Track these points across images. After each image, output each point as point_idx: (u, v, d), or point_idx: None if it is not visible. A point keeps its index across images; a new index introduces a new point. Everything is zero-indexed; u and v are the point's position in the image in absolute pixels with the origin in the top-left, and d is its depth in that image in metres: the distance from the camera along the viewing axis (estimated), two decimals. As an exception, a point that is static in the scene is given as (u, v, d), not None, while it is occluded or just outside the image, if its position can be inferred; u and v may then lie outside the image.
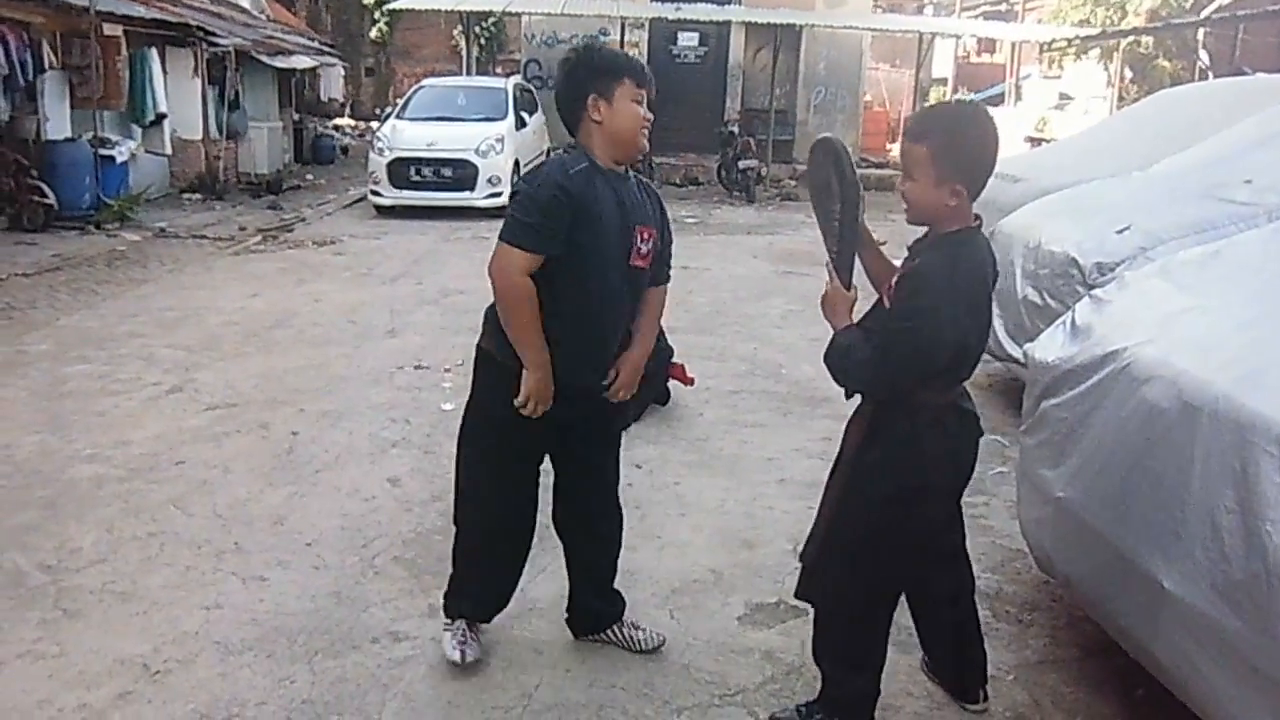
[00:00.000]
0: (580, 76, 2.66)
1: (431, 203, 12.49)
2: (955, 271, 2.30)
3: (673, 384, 5.43)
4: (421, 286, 8.42)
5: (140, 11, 12.16)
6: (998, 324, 5.39)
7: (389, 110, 16.27)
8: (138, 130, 12.88)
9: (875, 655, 2.61)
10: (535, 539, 3.71)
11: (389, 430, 4.92)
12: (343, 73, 23.48)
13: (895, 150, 22.49)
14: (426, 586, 3.36)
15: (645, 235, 2.72)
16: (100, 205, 11.14)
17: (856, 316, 2.48)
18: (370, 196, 12.89)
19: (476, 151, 12.49)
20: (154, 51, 12.89)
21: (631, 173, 2.79)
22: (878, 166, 19.50)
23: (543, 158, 15.14)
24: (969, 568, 2.84)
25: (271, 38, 17.46)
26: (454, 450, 2.94)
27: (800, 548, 2.72)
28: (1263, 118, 5.73)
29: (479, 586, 2.99)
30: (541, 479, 2.95)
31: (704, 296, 8.33)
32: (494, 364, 2.74)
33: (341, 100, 25.23)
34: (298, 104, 19.62)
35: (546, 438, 2.83)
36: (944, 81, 26.69)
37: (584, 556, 3.04)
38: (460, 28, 24.74)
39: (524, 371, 2.63)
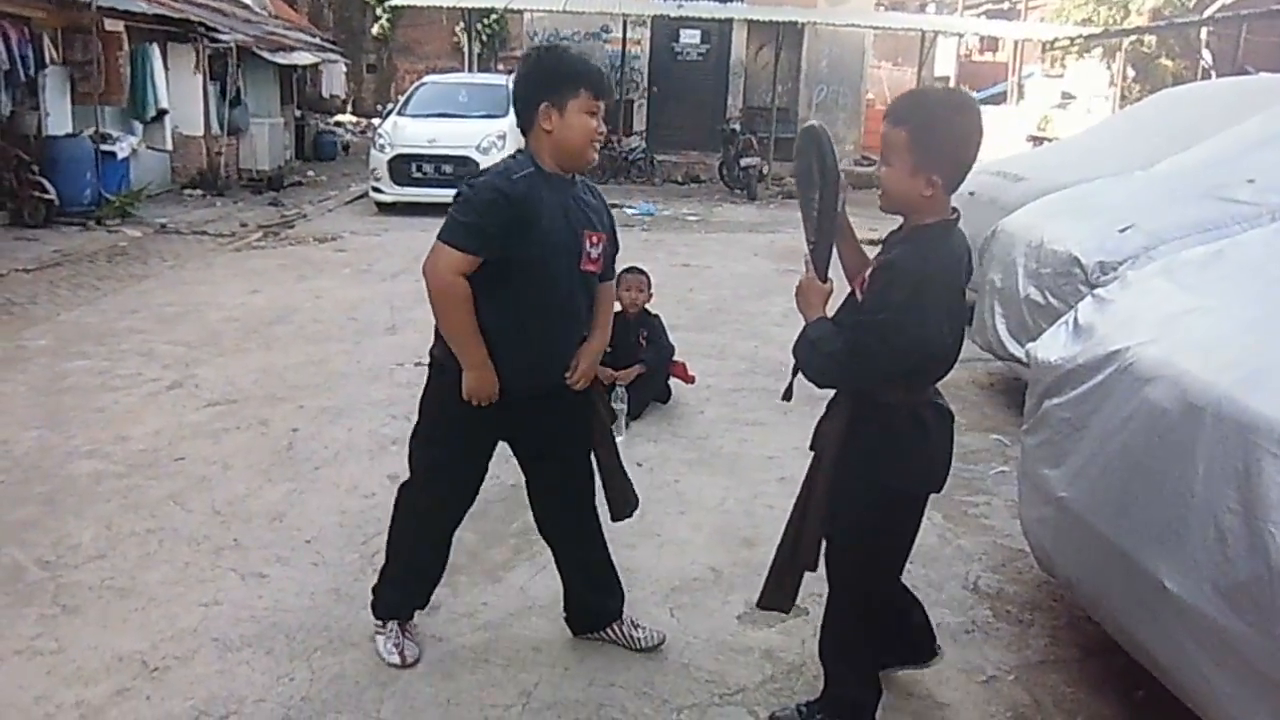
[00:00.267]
0: (536, 82, 2.62)
1: (433, 199, 12.42)
2: (928, 265, 2.25)
3: (673, 382, 5.42)
4: (422, 283, 8.30)
5: (142, 7, 12.14)
6: (1000, 323, 5.38)
7: (390, 107, 16.26)
8: (139, 126, 12.88)
9: (877, 653, 2.60)
10: (536, 535, 3.73)
11: (389, 427, 4.91)
12: (344, 69, 23.46)
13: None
14: (425, 584, 3.35)
15: (594, 240, 2.70)
16: (101, 201, 11.14)
17: (831, 310, 2.44)
18: (371, 193, 12.88)
19: (478, 148, 12.46)
20: (155, 47, 12.89)
21: (578, 177, 2.75)
22: (876, 164, 19.49)
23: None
24: None
25: (273, 34, 17.44)
26: (418, 405, 2.94)
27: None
28: (1265, 117, 5.71)
29: (410, 585, 3.01)
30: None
31: (705, 294, 8.31)
32: (442, 370, 2.75)
33: (343, 97, 25.22)
34: (299, 100, 19.61)
35: (494, 438, 2.84)
36: (946, 80, 26.65)
37: (572, 556, 3.03)
38: (462, 24, 24.72)
39: (468, 368, 2.62)
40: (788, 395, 2.57)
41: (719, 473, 4.51)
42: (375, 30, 29.53)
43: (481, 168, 2.97)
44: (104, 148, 11.43)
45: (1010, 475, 4.51)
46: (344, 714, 2.71)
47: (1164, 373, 2.49)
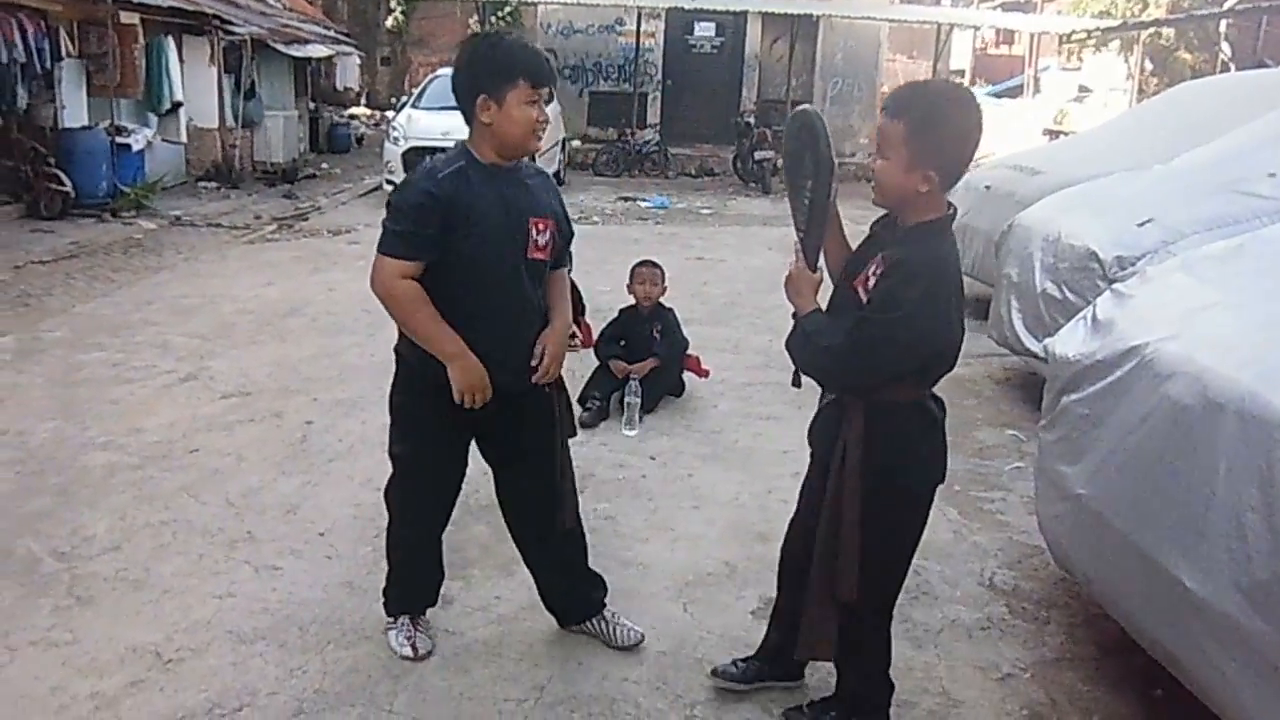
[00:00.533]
0: (473, 72, 2.54)
1: (446, 192, 12.46)
2: (940, 264, 2.22)
3: (687, 376, 5.40)
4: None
5: (157, -1, 12.18)
6: (1016, 317, 5.34)
7: (404, 100, 16.25)
8: (154, 119, 12.91)
9: (890, 652, 2.59)
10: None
11: (402, 420, 4.90)
12: (358, 62, 23.46)
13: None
14: (438, 577, 3.34)
15: (541, 226, 2.64)
16: (116, 193, 11.17)
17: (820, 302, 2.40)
18: (385, 185, 12.87)
19: (491, 141, 12.43)
20: (170, 40, 12.91)
21: (525, 162, 2.70)
22: (894, 158, 19.39)
23: (558, 148, 15.13)
24: None
25: (288, 26, 17.46)
26: (388, 398, 2.92)
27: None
28: (1289, 110, 5.65)
29: (411, 584, 3.00)
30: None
31: (719, 288, 8.29)
32: (402, 362, 2.76)
33: (357, 89, 25.23)
34: (313, 93, 19.63)
35: (463, 436, 2.81)
36: (961, 73, 26.51)
37: (540, 557, 3.01)
38: (476, 17, 24.70)
39: (450, 362, 2.56)
40: (797, 381, 2.54)
41: (732, 467, 4.49)
42: (389, 23, 29.52)
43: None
44: (119, 140, 11.45)
45: (1026, 471, 4.48)
46: (357, 707, 2.71)
47: (1184, 369, 2.46)
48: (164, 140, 12.98)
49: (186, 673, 2.83)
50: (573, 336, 6.22)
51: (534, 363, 2.68)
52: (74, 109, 11.39)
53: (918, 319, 2.15)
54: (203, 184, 13.67)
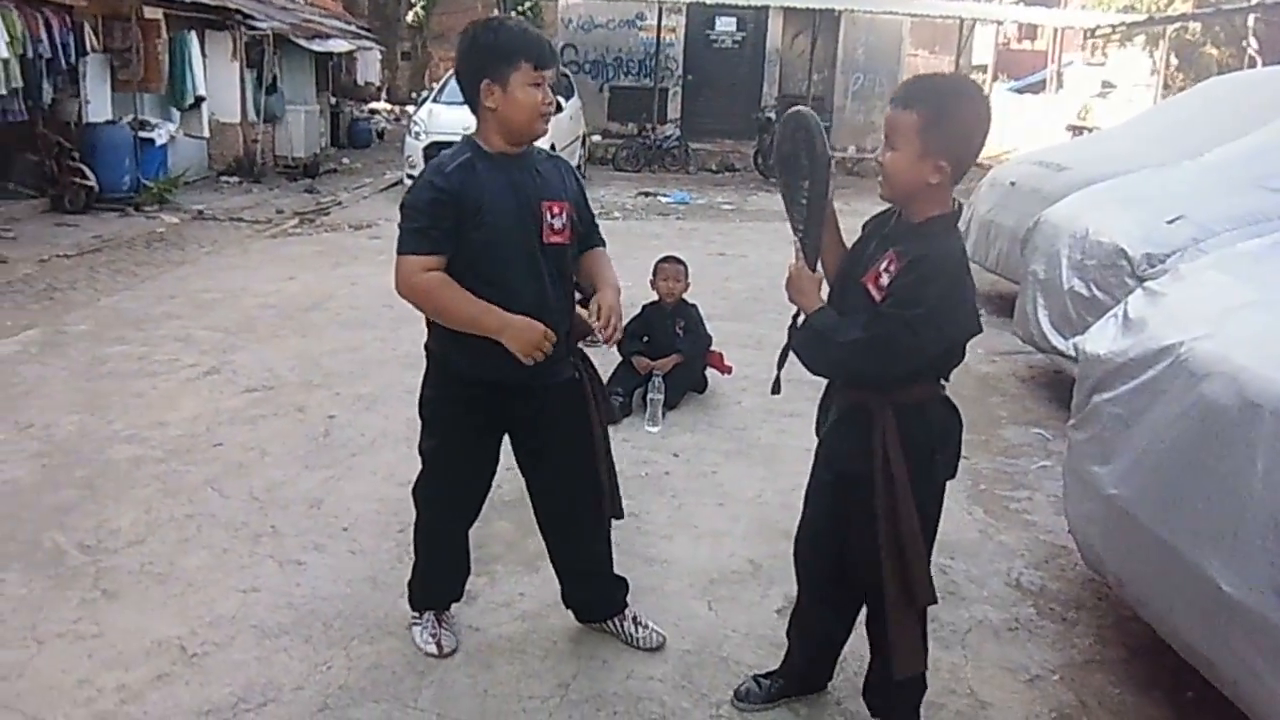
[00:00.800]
0: (475, 58, 2.51)
1: (467, 187, 12.48)
2: (958, 259, 2.22)
3: (710, 372, 5.38)
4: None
5: (180, -6, 12.25)
6: (1042, 315, 5.29)
7: (425, 94, 16.27)
8: (177, 113, 12.97)
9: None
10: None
11: (425, 415, 4.90)
12: (379, 56, 23.53)
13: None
14: (462, 573, 3.33)
15: (555, 210, 2.60)
16: (140, 187, 11.24)
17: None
18: (406, 180, 12.88)
19: (512, 136, 12.44)
20: (193, 35, 12.97)
21: (536, 149, 2.66)
22: (916, 154, 19.29)
23: (578, 143, 15.12)
24: None
25: (309, 21, 17.51)
26: (418, 395, 2.91)
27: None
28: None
29: (437, 580, 2.99)
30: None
31: (741, 284, 8.26)
32: (432, 359, 2.75)
33: (378, 84, 25.31)
34: (334, 88, 19.70)
35: (494, 433, 2.80)
36: (984, 68, 26.32)
37: (561, 555, 2.98)
38: (496, 12, 24.74)
39: (499, 332, 2.50)
40: (776, 389, 2.56)
41: (756, 464, 4.47)
42: (410, 18, 29.61)
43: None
44: (143, 134, 11.54)
45: (1053, 470, 4.44)
46: (382, 703, 2.70)
47: (1221, 369, 2.42)
48: (186, 135, 13.06)
49: (212, 667, 2.84)
50: (589, 334, 6.20)
51: (597, 323, 2.59)
52: (98, 104, 11.46)
53: (939, 315, 2.14)
54: (224, 178, 13.75)
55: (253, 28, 14.10)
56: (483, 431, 2.79)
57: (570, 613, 3.06)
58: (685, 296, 5.44)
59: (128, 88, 11.71)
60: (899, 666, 2.39)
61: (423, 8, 29.15)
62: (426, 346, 2.77)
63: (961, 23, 19.39)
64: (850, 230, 2.52)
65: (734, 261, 9.36)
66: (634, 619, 3.02)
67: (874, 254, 2.29)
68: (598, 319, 2.60)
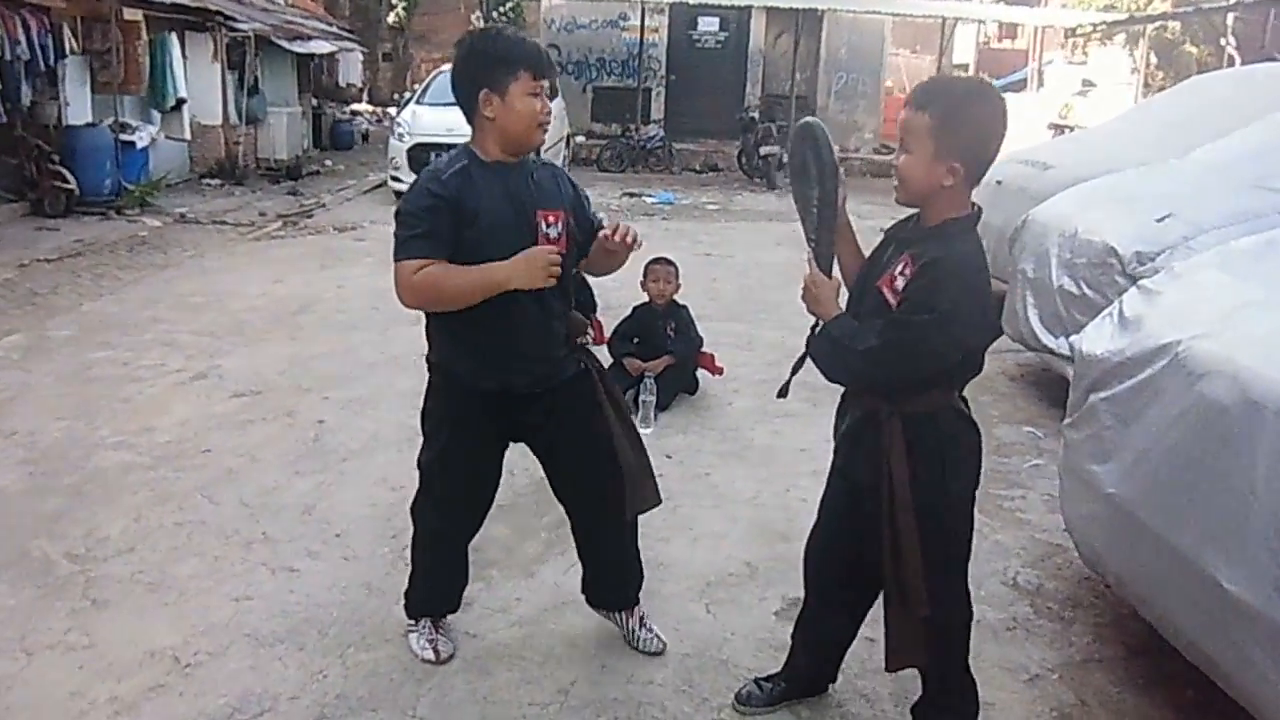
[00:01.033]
0: (473, 67, 2.51)
1: (451, 189, 12.43)
2: (973, 263, 2.19)
3: (701, 373, 5.37)
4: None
5: (160, -5, 12.15)
6: (1032, 313, 5.30)
7: (408, 96, 16.21)
8: (158, 116, 12.87)
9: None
10: (569, 530, 3.69)
11: (416, 419, 4.83)
12: (361, 58, 23.43)
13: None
14: (458, 578, 3.30)
15: (550, 219, 2.58)
16: (121, 191, 11.15)
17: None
18: (390, 182, 12.82)
19: (496, 137, 12.40)
20: (174, 36, 12.87)
21: (533, 159, 2.65)
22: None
23: (562, 144, 15.08)
24: None
25: (291, 22, 17.41)
26: (420, 410, 2.89)
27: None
28: (1307, 104, 5.60)
29: (435, 589, 2.97)
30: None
31: (730, 284, 8.25)
32: (434, 371, 2.75)
33: (359, 86, 25.20)
34: (316, 89, 19.59)
35: (498, 442, 2.81)
36: (965, 67, 26.43)
37: (587, 544, 2.99)
38: (478, 12, 24.66)
39: (508, 280, 2.45)
40: (784, 393, 2.55)
41: (751, 465, 4.46)
42: (391, 19, 29.48)
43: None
44: (123, 137, 11.43)
45: (1045, 468, 4.45)
46: (380, 711, 2.67)
47: (1221, 368, 2.42)
48: (168, 137, 12.96)
49: (206, 677, 2.80)
50: (585, 333, 6.19)
51: (612, 234, 2.55)
52: (78, 106, 11.35)
53: (954, 319, 2.11)
54: (206, 181, 13.64)
55: (234, 29, 14.01)
56: (489, 440, 2.77)
57: (572, 619, 3.04)
58: (675, 298, 5.42)
59: (108, 90, 11.60)
60: (891, 661, 2.43)
61: (404, 9, 29.03)
62: (428, 360, 2.76)
63: (943, 22, 19.45)
64: (860, 229, 2.51)
65: (721, 262, 9.34)
66: (641, 619, 3.00)
67: (891, 258, 2.28)
68: (614, 235, 2.55)
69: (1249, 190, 4.64)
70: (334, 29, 20.77)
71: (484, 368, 2.59)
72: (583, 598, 3.06)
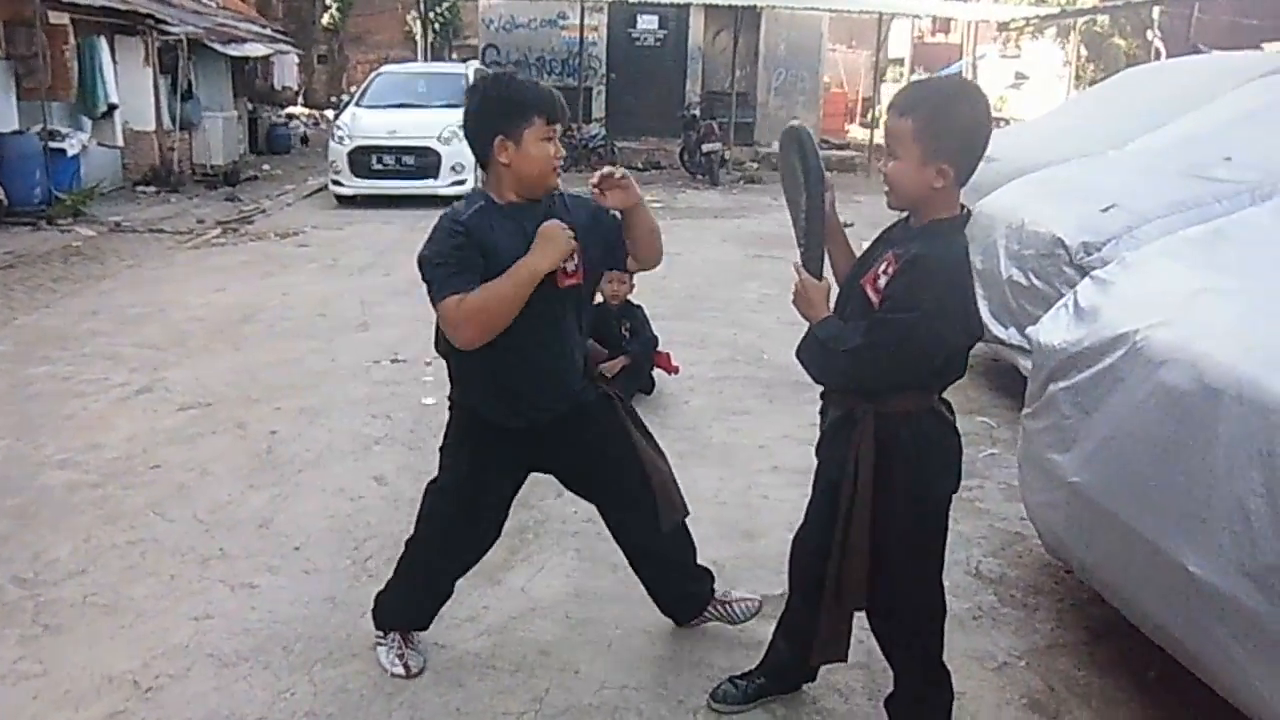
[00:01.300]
0: (486, 114, 2.50)
1: (394, 191, 12.30)
2: (955, 263, 2.19)
3: (657, 372, 5.36)
4: (390, 278, 8.25)
5: (88, -2, 11.82)
6: (981, 305, 5.37)
7: (347, 99, 15.99)
8: (88, 122, 12.54)
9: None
10: (533, 535, 3.66)
11: (371, 427, 4.80)
12: (296, 60, 23.06)
13: (854, 132, 22.60)
14: (423, 589, 3.25)
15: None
16: (52, 200, 10.83)
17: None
18: (331, 186, 12.65)
19: (439, 139, 12.29)
20: (103, 40, 12.55)
21: (553, 200, 2.61)
22: (838, 148, 19.56)
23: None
24: None
25: (224, 25, 17.08)
26: (439, 445, 2.84)
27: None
28: (1238, 95, 5.77)
29: (415, 607, 2.92)
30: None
31: (679, 282, 8.24)
32: (461, 411, 2.73)
33: (295, 89, 24.80)
34: (251, 93, 19.23)
35: (520, 471, 2.79)
36: (900, 62, 26.78)
37: (642, 565, 2.96)
38: (415, 13, 24.39)
39: (537, 265, 2.41)
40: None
41: (711, 463, 4.45)
42: (325, 20, 29.04)
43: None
44: (53, 145, 11.10)
45: (1001, 458, 4.52)
46: (351, 728, 2.63)
47: (1179, 355, 2.47)
48: (100, 144, 12.62)
49: (168, 701, 2.72)
50: (602, 361, 6.09)
51: (598, 183, 2.53)
52: (4, 113, 11.03)
53: (935, 318, 2.10)
54: (141, 188, 13.31)
55: (165, 32, 13.69)
56: (508, 474, 2.76)
57: (542, 624, 3.02)
58: (630, 298, 5.40)
59: (34, 96, 11.26)
60: (814, 655, 2.48)
61: (338, 10, 28.61)
62: (452, 399, 2.74)
63: (880, 17, 19.67)
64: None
65: (670, 260, 9.21)
66: (724, 596, 3.06)
67: (877, 257, 2.28)
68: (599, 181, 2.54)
69: (1187, 179, 4.76)
70: (268, 31, 20.41)
71: (512, 407, 2.61)
72: (545, 605, 3.07)
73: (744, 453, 4.58)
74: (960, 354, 2.27)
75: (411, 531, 2.87)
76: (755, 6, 18.04)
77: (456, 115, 12.16)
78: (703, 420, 5.01)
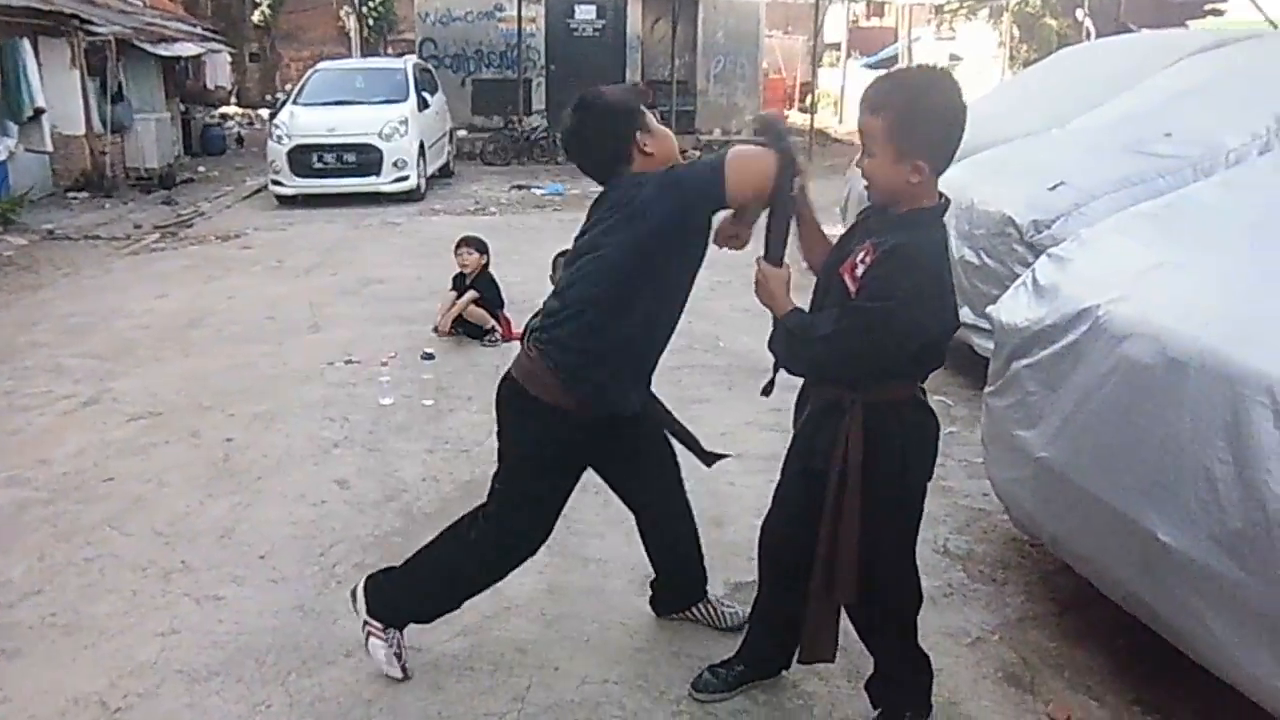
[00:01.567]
0: (615, 120, 2.59)
1: (336, 190, 12.11)
2: (932, 252, 2.19)
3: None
4: (338, 277, 8.14)
5: (7, -2, 11.44)
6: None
7: (283, 97, 15.70)
8: (14, 127, 12.11)
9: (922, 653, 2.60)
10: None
11: (328, 430, 4.72)
12: (229, 59, 22.57)
13: (794, 117, 22.72)
14: (395, 592, 3.21)
15: None
16: (-21, 209, 10.50)
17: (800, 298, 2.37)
18: (271, 186, 12.42)
19: (380, 135, 12.13)
20: (25, 42, 12.13)
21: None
22: (780, 135, 19.64)
23: (446, 139, 14.82)
24: None
25: (152, 24, 16.64)
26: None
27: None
28: (1172, 72, 5.88)
29: (445, 604, 2.86)
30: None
31: (630, 273, 8.23)
32: (539, 407, 2.59)
33: (228, 88, 24.29)
34: (183, 94, 18.79)
35: (584, 468, 2.80)
36: (837, 46, 26.99)
37: (669, 539, 3.03)
38: (348, 8, 24.05)
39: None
40: (768, 390, 2.51)
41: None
42: (256, 18, 28.43)
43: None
44: (-23, 152, 10.77)
45: (960, 435, 4.58)
46: (331, 738, 2.58)
47: (1141, 329, 2.51)
48: (27, 150, 12.22)
49: (139, 720, 2.66)
50: (492, 330, 6.11)
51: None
52: (-76, 121, 10.65)
53: (912, 307, 2.10)
54: (73, 194, 12.94)
55: (92, 33, 13.29)
56: (575, 477, 2.77)
57: (518, 622, 3.00)
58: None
59: (-45, 102, 10.91)
60: (805, 653, 2.49)
61: (269, 7, 28.05)
62: (528, 397, 2.60)
63: (816, 2, 19.80)
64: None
65: (620, 250, 9.31)
66: (716, 601, 3.10)
67: (855, 245, 2.27)
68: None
69: (1131, 155, 4.85)
70: (198, 30, 19.93)
71: (634, 385, 2.68)
72: (520, 604, 3.04)
73: (706, 441, 4.45)
74: (939, 343, 2.28)
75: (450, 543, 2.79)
76: (693, -6, 18.05)
77: (397, 111, 12.02)
78: (664, 410, 5.00)
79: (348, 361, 5.75)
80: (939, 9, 21.88)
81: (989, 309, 3.36)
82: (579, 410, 2.56)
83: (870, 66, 26.68)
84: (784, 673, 2.81)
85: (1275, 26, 11.73)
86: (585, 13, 19.37)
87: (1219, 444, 2.23)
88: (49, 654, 2.97)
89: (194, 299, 7.44)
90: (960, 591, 3.31)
